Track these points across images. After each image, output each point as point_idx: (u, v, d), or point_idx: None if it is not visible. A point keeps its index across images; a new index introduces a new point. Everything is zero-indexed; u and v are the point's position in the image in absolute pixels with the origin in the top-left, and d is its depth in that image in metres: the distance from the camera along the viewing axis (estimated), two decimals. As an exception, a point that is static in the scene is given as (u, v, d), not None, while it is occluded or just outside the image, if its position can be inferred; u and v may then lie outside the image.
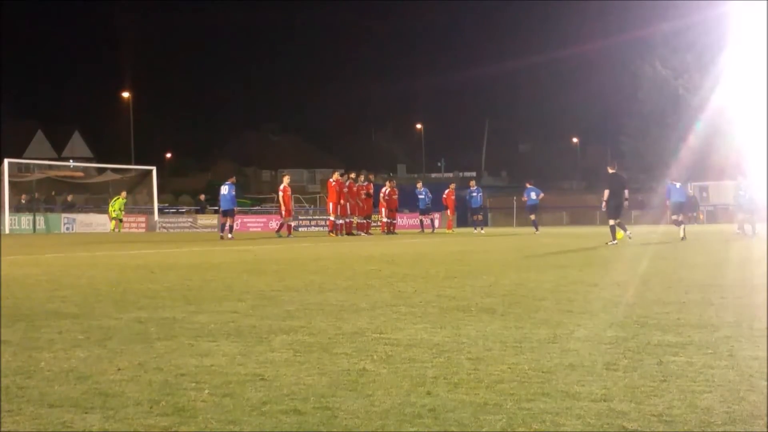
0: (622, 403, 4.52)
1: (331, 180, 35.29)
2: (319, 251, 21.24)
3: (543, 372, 5.26)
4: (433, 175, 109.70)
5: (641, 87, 72.62)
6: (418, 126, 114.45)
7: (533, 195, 39.07)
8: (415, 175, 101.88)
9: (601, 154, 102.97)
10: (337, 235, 34.06)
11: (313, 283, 11.35)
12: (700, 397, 4.64)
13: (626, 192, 24.63)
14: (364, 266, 15.02)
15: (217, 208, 52.76)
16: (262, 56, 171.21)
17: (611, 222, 23.88)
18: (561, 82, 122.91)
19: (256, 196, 75.18)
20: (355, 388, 4.88)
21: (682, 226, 26.93)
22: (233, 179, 33.21)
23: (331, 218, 34.89)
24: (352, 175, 36.29)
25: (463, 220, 54.80)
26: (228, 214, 31.77)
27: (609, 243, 23.20)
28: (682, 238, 25.68)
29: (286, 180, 34.71)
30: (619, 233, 24.56)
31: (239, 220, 49.53)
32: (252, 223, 50.76)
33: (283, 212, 33.73)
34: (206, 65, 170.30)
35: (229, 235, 30.84)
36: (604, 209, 24.88)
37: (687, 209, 28.48)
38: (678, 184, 29.54)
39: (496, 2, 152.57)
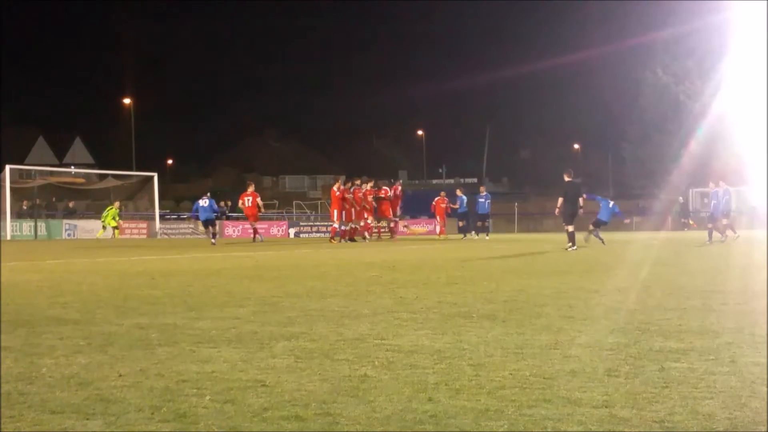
0: (624, 409, 4.52)
1: (334, 188, 35.31)
2: (320, 257, 21.24)
3: (544, 378, 5.26)
4: (434, 182, 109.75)
5: (642, 93, 72.70)
6: (420, 132, 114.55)
7: (465, 203, 40.75)
8: (416, 181, 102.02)
9: (603, 160, 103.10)
10: (340, 241, 34.10)
11: (314, 290, 11.34)
12: (701, 403, 4.64)
13: (581, 200, 25.62)
14: (365, 272, 15.02)
15: (218, 214, 52.85)
16: (262, 62, 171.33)
17: (569, 228, 24.88)
18: (562, 88, 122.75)
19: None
20: (357, 394, 4.88)
21: (592, 233, 29.29)
22: (209, 194, 36.98)
23: (335, 225, 34.97)
24: (357, 182, 36.37)
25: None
26: (209, 223, 35.55)
27: (568, 248, 24.09)
28: (585, 239, 28.38)
29: (250, 188, 36.93)
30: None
31: (240, 227, 49.69)
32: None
33: (249, 218, 36.70)
34: (207, 71, 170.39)
35: (213, 241, 34.37)
36: (558, 215, 25.60)
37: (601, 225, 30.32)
38: (611, 203, 30.98)
39: (498, 8, 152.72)
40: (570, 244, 24.40)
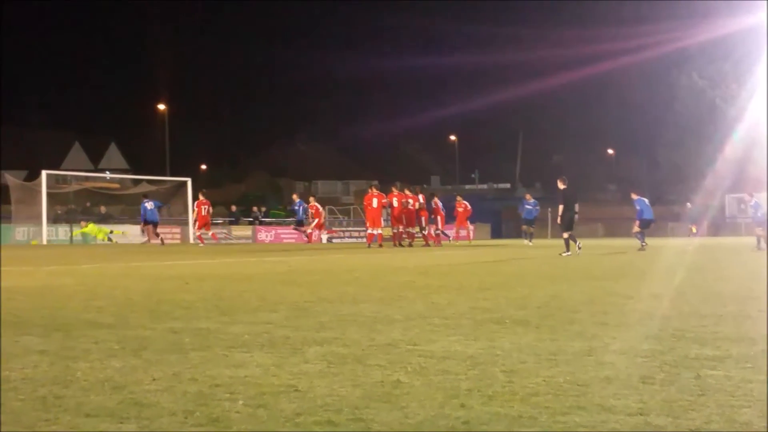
0: (659, 417, 4.47)
1: (380, 196, 35.57)
2: (352, 262, 21.25)
3: (578, 385, 5.22)
4: (467, 187, 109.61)
5: (677, 97, 72.15)
6: (452, 137, 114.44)
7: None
8: (449, 186, 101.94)
9: (637, 165, 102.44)
10: (379, 245, 34.31)
11: (346, 295, 11.34)
12: (738, 411, 4.58)
13: (576, 206, 26.62)
14: (397, 277, 15.01)
15: (251, 219, 53.24)
16: (294, 67, 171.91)
17: (565, 235, 25.48)
18: (596, 93, 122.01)
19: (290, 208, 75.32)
20: (389, 399, 4.87)
21: (643, 238, 29.06)
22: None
23: (371, 231, 35.22)
24: (401, 189, 36.82)
25: (497, 232, 54.66)
26: (155, 224, 40.67)
27: (563, 254, 24.66)
28: (641, 249, 27.89)
29: (201, 196, 41.38)
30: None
31: (273, 231, 50.07)
32: (285, 234, 50.89)
33: (197, 225, 41.07)
34: (241, 76, 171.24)
35: (158, 240, 40.03)
36: (558, 223, 26.29)
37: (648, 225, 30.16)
38: (647, 200, 30.91)
39: (530, 14, 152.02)
40: (566, 250, 25.00)
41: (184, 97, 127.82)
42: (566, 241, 25.13)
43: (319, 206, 42.72)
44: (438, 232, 38.32)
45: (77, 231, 47.46)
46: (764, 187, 34.72)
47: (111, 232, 47.26)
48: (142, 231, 43.10)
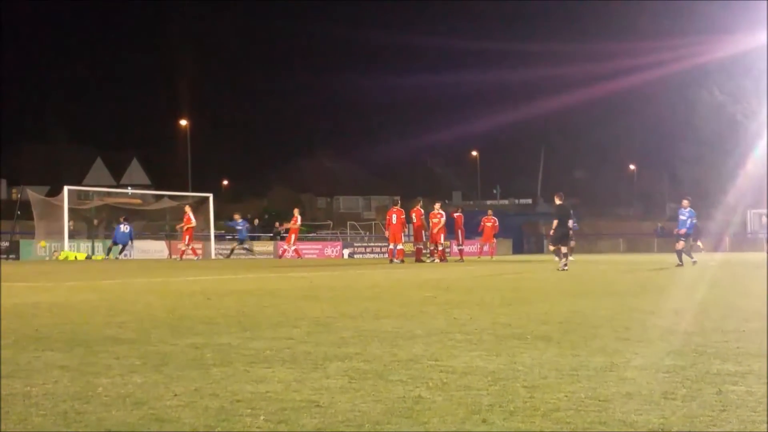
0: (681, 432, 4.45)
1: (399, 211, 35.57)
2: (374, 278, 21.25)
3: (600, 401, 5.21)
4: (489, 202, 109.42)
5: (698, 113, 71.96)
6: (474, 153, 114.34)
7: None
8: (471, 202, 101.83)
9: (658, 180, 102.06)
10: (393, 261, 34.29)
11: (367, 310, 11.34)
12: (760, 427, 4.56)
13: (570, 222, 26.53)
14: (418, 293, 14.99)
15: (271, 234, 53.40)
16: (317, 83, 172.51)
17: (553, 248, 26.17)
18: (617, 108, 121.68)
19: (311, 223, 75.47)
20: (411, 415, 4.86)
21: (681, 256, 27.96)
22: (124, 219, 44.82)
23: (392, 246, 35.24)
24: (423, 205, 36.84)
25: (518, 247, 54.46)
26: (126, 244, 43.72)
27: (560, 268, 24.51)
28: (683, 264, 27.13)
29: (188, 210, 42.60)
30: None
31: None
32: (307, 249, 50.93)
33: (186, 240, 42.12)
34: (262, 92, 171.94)
35: (125, 255, 43.43)
36: (551, 236, 26.90)
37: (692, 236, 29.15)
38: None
39: (550, 34, 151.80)
40: (564, 263, 24.94)
41: (206, 113, 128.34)
42: (560, 253, 25.24)
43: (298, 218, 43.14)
44: (441, 247, 37.61)
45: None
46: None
47: (89, 256, 46.77)
48: (109, 249, 44.44)
